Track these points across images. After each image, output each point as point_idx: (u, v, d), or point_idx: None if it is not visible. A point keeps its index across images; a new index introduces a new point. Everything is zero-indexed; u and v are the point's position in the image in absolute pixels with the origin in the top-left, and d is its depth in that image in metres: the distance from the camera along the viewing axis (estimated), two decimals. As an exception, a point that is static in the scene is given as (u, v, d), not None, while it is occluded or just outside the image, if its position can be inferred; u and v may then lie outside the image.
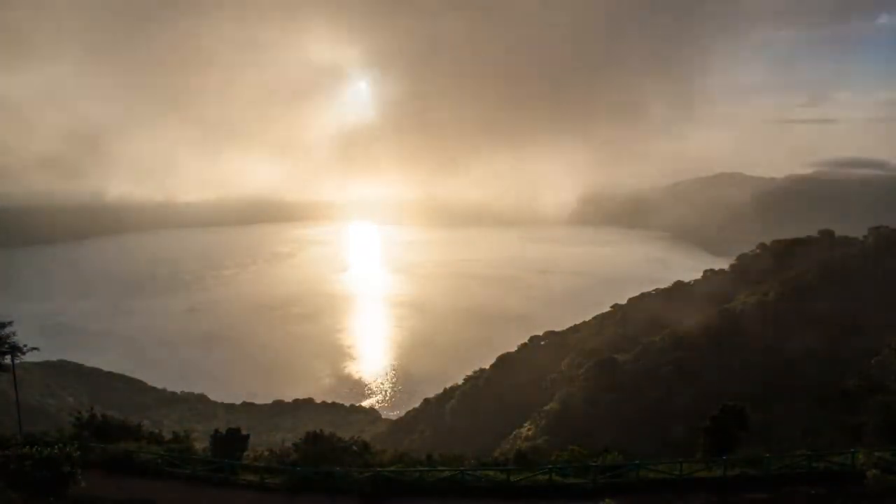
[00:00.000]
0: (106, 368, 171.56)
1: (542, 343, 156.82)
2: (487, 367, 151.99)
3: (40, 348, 46.05)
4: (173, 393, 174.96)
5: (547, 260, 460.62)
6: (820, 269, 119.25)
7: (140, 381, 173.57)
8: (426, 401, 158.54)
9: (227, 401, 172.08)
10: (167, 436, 43.47)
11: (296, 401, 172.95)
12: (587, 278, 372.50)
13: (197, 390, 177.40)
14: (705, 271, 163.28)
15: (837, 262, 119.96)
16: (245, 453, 36.33)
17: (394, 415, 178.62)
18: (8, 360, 41.62)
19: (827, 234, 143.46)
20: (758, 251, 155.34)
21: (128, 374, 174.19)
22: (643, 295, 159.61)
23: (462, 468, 32.08)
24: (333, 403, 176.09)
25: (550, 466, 31.62)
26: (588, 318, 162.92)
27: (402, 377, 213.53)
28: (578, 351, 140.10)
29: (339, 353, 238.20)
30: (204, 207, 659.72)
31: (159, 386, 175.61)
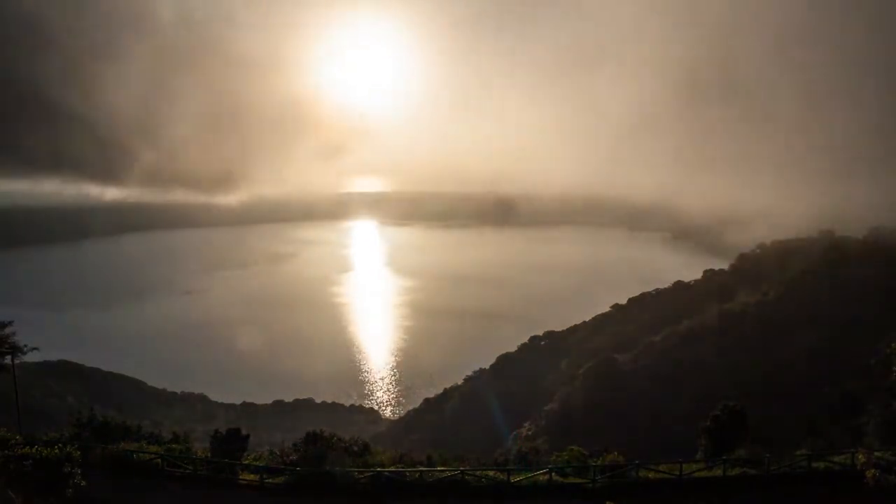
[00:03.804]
0: (106, 368, 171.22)
1: (542, 343, 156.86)
2: (487, 367, 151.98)
3: (40, 348, 46.13)
4: (173, 393, 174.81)
5: (547, 260, 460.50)
6: (820, 269, 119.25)
7: (140, 381, 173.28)
8: (426, 401, 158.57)
9: (227, 401, 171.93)
10: (167, 436, 43.52)
11: (296, 401, 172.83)
12: (587, 278, 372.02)
13: (197, 390, 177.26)
14: (705, 271, 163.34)
15: (837, 262, 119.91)
16: (245, 453, 36.35)
17: (394, 415, 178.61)
18: (8, 360, 41.68)
19: (827, 234, 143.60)
20: (758, 251, 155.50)
21: (128, 374, 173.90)
22: (643, 295, 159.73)
23: (462, 468, 32.09)
24: (333, 403, 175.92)
25: (550, 466, 31.63)
26: (588, 318, 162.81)
27: (403, 377, 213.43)
28: (578, 351, 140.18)
29: (340, 354, 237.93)
30: (204, 207, 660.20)
31: (159, 386, 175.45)
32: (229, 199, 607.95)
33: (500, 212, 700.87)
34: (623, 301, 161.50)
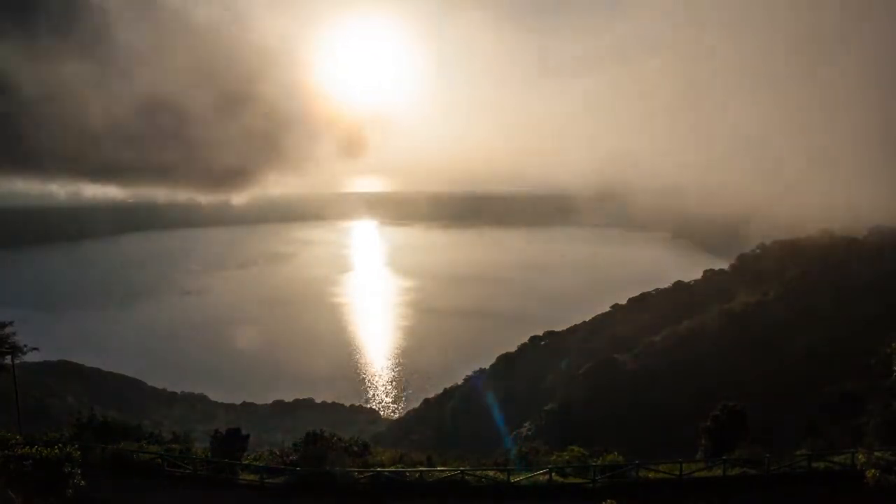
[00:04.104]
0: (106, 368, 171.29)
1: (542, 343, 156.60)
2: (487, 367, 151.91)
3: (40, 348, 46.17)
4: (173, 393, 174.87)
5: (547, 260, 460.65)
6: (820, 269, 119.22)
7: (140, 381, 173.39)
8: (426, 401, 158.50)
9: (227, 401, 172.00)
10: (167, 436, 43.58)
11: (296, 401, 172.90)
12: (587, 278, 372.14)
13: (197, 390, 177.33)
14: (705, 271, 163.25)
15: (837, 262, 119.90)
16: (245, 453, 36.36)
17: (394, 415, 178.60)
18: (8, 360, 41.72)
19: (827, 234, 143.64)
20: (758, 251, 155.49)
21: (128, 374, 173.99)
22: (643, 295, 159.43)
23: (462, 468, 32.10)
24: (333, 403, 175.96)
25: (550, 466, 31.63)
26: (588, 318, 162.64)
27: (403, 377, 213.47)
28: (578, 351, 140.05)
29: (340, 354, 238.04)
30: (204, 207, 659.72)
31: (159, 386, 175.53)
32: (237, 198, 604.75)
33: (499, 212, 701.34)
34: (623, 301, 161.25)
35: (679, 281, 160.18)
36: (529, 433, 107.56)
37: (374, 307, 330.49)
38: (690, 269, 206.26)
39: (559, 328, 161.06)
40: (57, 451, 24.10)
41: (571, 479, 30.86)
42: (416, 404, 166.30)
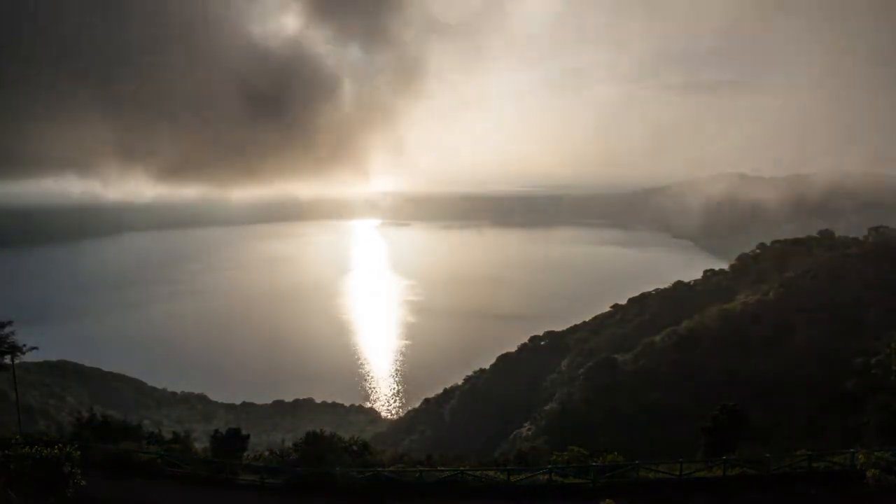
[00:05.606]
0: (106, 368, 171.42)
1: (542, 343, 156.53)
2: (487, 367, 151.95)
3: (40, 348, 46.18)
4: (173, 393, 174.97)
5: (547, 260, 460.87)
6: (820, 269, 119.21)
7: (140, 381, 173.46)
8: (426, 401, 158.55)
9: (227, 401, 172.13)
10: (167, 436, 43.57)
11: (296, 401, 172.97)
12: (587, 278, 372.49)
13: (197, 390, 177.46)
14: (705, 271, 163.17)
15: (837, 262, 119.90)
16: (245, 453, 36.37)
17: (394, 415, 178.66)
18: (8, 359, 41.74)
19: (827, 234, 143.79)
20: (758, 251, 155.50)
21: (128, 374, 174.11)
22: (643, 295, 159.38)
23: (462, 468, 32.10)
24: (333, 403, 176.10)
25: (550, 466, 31.64)
26: (588, 318, 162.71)
27: (403, 377, 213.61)
28: (578, 351, 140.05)
29: (340, 353, 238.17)
30: (204, 207, 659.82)
31: (159, 386, 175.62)
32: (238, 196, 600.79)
33: (499, 212, 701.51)
34: (623, 301, 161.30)
35: (679, 281, 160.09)
36: (529, 433, 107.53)
37: (374, 307, 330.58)
38: (690, 269, 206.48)
39: (559, 328, 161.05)
40: (57, 451, 24.08)
41: (571, 480, 30.86)
42: (416, 404, 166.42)
